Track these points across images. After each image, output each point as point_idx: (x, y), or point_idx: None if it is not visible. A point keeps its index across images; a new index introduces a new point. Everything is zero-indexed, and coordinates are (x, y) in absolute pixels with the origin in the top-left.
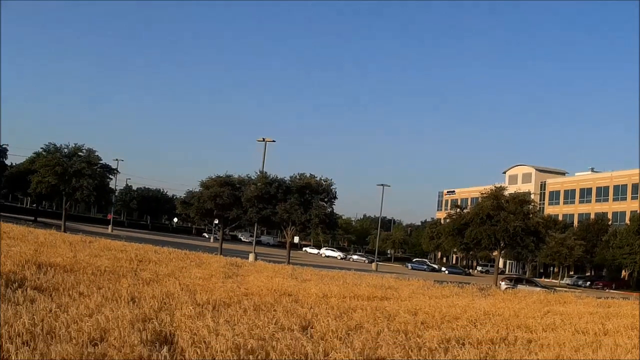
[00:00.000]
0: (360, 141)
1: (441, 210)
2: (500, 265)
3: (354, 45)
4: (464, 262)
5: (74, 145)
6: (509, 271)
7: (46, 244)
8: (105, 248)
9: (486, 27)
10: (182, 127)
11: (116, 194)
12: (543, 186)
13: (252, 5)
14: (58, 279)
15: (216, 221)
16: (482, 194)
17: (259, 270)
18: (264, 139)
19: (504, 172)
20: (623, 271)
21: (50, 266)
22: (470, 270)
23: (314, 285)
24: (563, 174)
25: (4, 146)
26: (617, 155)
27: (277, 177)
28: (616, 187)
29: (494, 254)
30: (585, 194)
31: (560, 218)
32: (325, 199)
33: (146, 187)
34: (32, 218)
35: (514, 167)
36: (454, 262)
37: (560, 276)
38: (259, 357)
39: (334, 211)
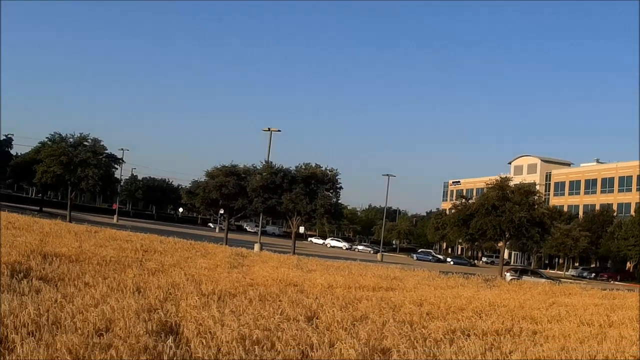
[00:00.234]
0: (366, 131)
1: (446, 200)
2: (505, 256)
3: (359, 34)
4: (469, 253)
5: (79, 135)
6: (514, 262)
7: (51, 234)
8: (110, 238)
9: (490, 18)
10: (188, 116)
11: (121, 183)
12: (548, 177)
13: None
14: (63, 269)
15: (221, 211)
16: (487, 184)
17: (264, 261)
18: (269, 128)
19: (509, 163)
20: (628, 263)
21: (56, 256)
22: (475, 261)
23: (320, 275)
24: (568, 164)
25: (9, 136)
26: (622, 146)
27: (282, 167)
28: (621, 179)
29: (499, 244)
30: (591, 185)
31: (565, 209)
32: (331, 189)
33: (151, 176)
34: (38, 208)
35: (519, 157)
36: (459, 252)
37: (565, 267)
38: (265, 347)
39: (340, 201)
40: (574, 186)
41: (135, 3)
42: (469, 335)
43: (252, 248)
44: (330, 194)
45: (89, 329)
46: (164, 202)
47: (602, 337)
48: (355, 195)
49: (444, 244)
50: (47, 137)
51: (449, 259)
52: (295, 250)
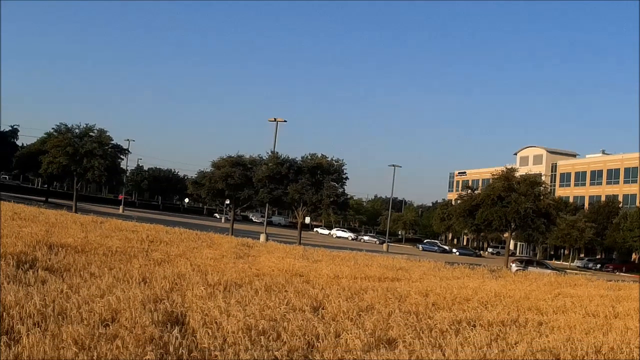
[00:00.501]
0: (372, 122)
1: (452, 191)
2: (511, 247)
3: (365, 26)
4: (475, 244)
5: (85, 126)
6: (519, 253)
7: (57, 225)
8: (116, 228)
9: (498, 7)
10: (194, 107)
11: (127, 174)
12: (554, 168)
13: None
14: (69, 259)
15: (227, 201)
16: (493, 175)
17: (270, 251)
18: (275, 119)
19: (515, 154)
20: (633, 254)
21: (62, 247)
22: (481, 252)
23: (325, 266)
24: (574, 155)
25: (15, 127)
26: (628, 137)
27: (288, 157)
28: (627, 170)
29: (504, 235)
30: (596, 176)
31: (571, 200)
32: (337, 180)
33: (157, 167)
34: (43, 199)
35: (525, 148)
36: (464, 243)
37: (570, 258)
38: (271, 338)
39: (345, 192)
40: (580, 177)
41: None
42: (474, 326)
43: (258, 238)
44: (336, 185)
45: (94, 319)
46: (169, 192)
47: (608, 328)
48: (361, 186)
49: (450, 235)
50: (52, 128)
51: (454, 250)
52: (301, 241)
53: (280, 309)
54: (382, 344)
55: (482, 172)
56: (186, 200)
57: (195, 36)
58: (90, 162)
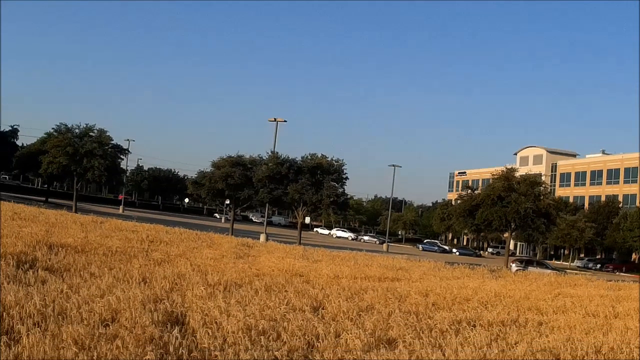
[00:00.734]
0: (372, 122)
1: (452, 191)
2: (511, 247)
3: (365, 25)
4: (475, 244)
5: (85, 126)
6: (519, 253)
7: (57, 225)
8: (116, 228)
9: (497, 7)
10: (194, 106)
11: (127, 174)
12: (554, 168)
13: None
14: (69, 259)
15: (227, 201)
16: (493, 175)
17: (270, 251)
18: (275, 119)
19: (515, 154)
20: (633, 254)
21: (62, 247)
22: (481, 252)
23: (325, 266)
24: (574, 155)
25: (15, 127)
26: (628, 137)
27: (288, 157)
28: (627, 170)
29: (504, 235)
30: (596, 176)
31: (571, 200)
32: (337, 180)
33: (157, 167)
34: (43, 199)
35: (525, 148)
36: (464, 243)
37: (570, 258)
38: (271, 338)
39: (345, 192)
40: (580, 177)
41: None
42: (474, 326)
43: (258, 238)
44: (336, 185)
45: (94, 319)
46: (169, 192)
47: (608, 328)
48: (361, 186)
49: (450, 235)
50: (52, 128)
51: (454, 250)
52: (301, 241)
53: (280, 309)
54: (382, 344)
55: (482, 172)
56: (186, 200)
57: (195, 36)
58: (90, 162)
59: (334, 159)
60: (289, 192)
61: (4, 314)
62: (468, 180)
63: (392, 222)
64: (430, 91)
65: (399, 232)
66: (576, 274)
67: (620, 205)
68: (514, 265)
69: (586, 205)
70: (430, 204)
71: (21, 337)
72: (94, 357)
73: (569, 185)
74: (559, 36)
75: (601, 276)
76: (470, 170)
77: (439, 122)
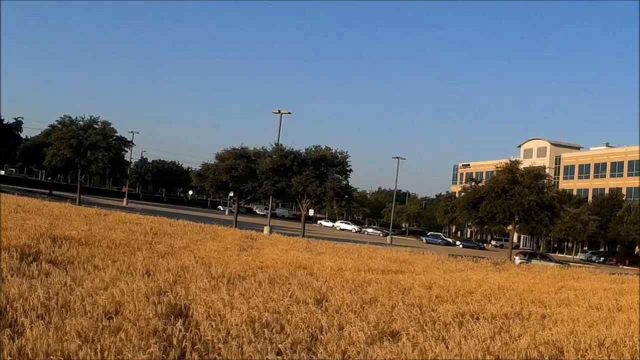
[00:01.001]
0: (376, 114)
1: (456, 183)
2: (515, 239)
3: (369, 15)
4: (478, 236)
5: (89, 118)
6: (523, 246)
7: (61, 217)
8: (120, 221)
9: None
10: (198, 99)
11: (131, 166)
12: (558, 160)
13: None
14: (73, 252)
15: (231, 194)
16: (497, 167)
17: (273, 243)
18: (279, 110)
19: (519, 146)
20: (637, 247)
21: (65, 239)
22: (485, 245)
23: (329, 258)
24: (578, 148)
25: (19, 119)
26: (632, 130)
27: (292, 149)
28: (631, 163)
29: (508, 228)
30: (600, 168)
31: (574, 193)
32: (341, 172)
33: (161, 159)
34: (47, 191)
35: (529, 141)
36: (468, 236)
37: (574, 251)
38: (274, 330)
39: (349, 184)
40: (584, 170)
41: None
42: (478, 319)
43: (262, 231)
44: (340, 177)
45: (98, 312)
46: (173, 184)
47: (611, 321)
48: (365, 178)
49: (454, 227)
50: (57, 120)
51: (458, 242)
52: (305, 233)
53: (284, 301)
54: (386, 336)
55: (486, 165)
56: (190, 192)
57: (200, 28)
58: (94, 154)
59: (337, 151)
60: (293, 184)
61: (8, 306)
62: (472, 173)
63: (395, 214)
64: (434, 83)
65: (403, 225)
66: (579, 267)
67: (624, 198)
68: (517, 258)
69: (590, 198)
70: (434, 197)
71: (25, 330)
72: (98, 350)
73: (572, 178)
74: (564, 28)
75: (604, 269)
76: (474, 162)
77: (443, 114)
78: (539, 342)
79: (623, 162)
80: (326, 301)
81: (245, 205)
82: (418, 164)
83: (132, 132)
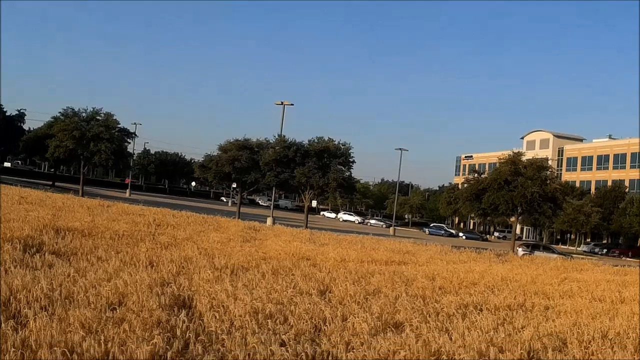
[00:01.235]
0: (379, 105)
1: (459, 175)
2: (517, 231)
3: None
4: (481, 228)
5: (92, 109)
6: (525, 237)
7: (64, 209)
8: (123, 212)
9: None
10: (201, 90)
11: (134, 158)
12: (561, 152)
13: None
14: (76, 243)
15: (234, 185)
16: (499, 159)
17: (277, 234)
18: (282, 102)
19: (522, 138)
20: (639, 239)
21: (69, 231)
22: (488, 236)
23: (332, 249)
24: (581, 140)
25: (22, 111)
26: (635, 122)
27: (295, 140)
28: (633, 155)
29: (511, 220)
30: (603, 160)
31: (577, 184)
32: (344, 163)
33: (164, 150)
34: (50, 183)
35: (531, 132)
36: (471, 227)
37: (577, 243)
38: (278, 321)
39: (352, 175)
40: (586, 162)
41: None
42: (481, 310)
43: (265, 222)
44: (343, 168)
45: (101, 303)
46: (176, 176)
47: (614, 313)
48: (368, 170)
49: (456, 219)
50: (59, 112)
51: (461, 234)
52: (308, 224)
53: (287, 292)
54: (389, 327)
55: (488, 156)
56: (193, 183)
57: (204, 19)
58: (97, 145)
59: (340, 142)
60: (296, 175)
61: (11, 298)
62: (475, 164)
63: (398, 205)
64: (437, 74)
65: (406, 216)
66: (582, 258)
67: (627, 190)
68: (520, 249)
69: (592, 189)
70: (437, 188)
71: (28, 321)
72: (101, 341)
73: (575, 170)
74: (567, 20)
75: (607, 261)
76: (477, 154)
77: (446, 105)
78: (542, 334)
79: (626, 154)
80: (329, 292)
81: (248, 197)
82: (421, 155)
83: (134, 123)
